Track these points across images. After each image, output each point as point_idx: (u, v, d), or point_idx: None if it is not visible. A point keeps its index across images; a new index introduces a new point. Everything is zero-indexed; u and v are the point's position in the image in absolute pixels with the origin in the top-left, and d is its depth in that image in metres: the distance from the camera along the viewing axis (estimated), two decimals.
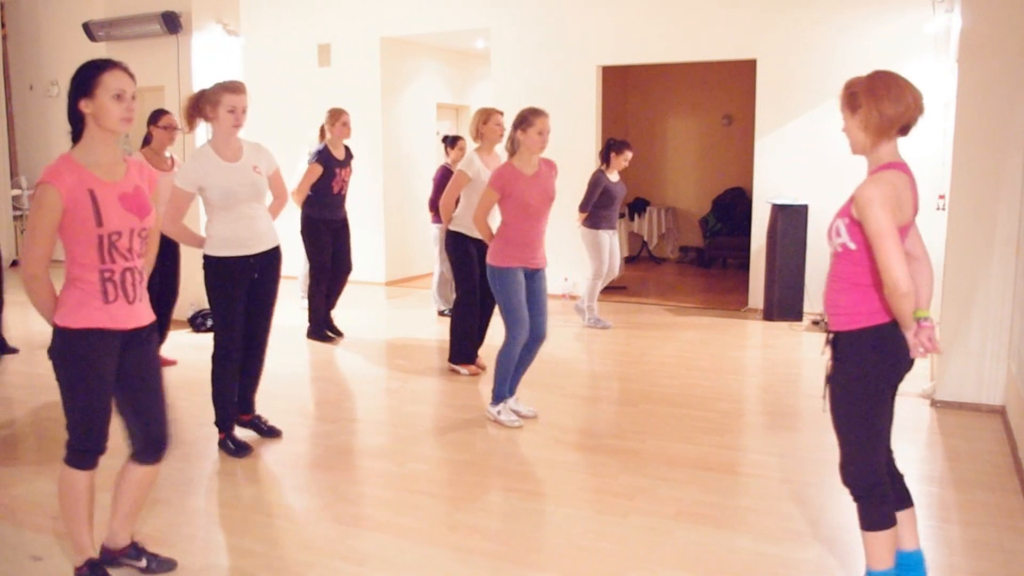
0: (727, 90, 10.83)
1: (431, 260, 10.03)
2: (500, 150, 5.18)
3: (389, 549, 3.10)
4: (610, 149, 7.01)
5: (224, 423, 4.16)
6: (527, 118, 4.36)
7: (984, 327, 4.66)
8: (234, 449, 4.11)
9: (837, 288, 2.54)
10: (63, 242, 2.59)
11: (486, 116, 5.33)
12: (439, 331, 6.95)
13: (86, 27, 7.35)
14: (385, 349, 6.46)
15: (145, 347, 2.76)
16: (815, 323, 7.04)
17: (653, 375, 5.60)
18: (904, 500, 2.67)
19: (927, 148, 6.65)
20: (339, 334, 6.68)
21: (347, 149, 6.52)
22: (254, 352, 4.24)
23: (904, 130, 2.42)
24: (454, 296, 7.39)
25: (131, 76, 2.62)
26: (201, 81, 7.04)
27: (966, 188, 4.66)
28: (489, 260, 4.45)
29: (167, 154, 5.50)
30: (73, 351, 2.60)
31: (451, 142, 7.33)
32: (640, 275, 10.11)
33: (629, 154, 7.04)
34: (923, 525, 3.31)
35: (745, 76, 8.41)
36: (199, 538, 3.21)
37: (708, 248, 10.71)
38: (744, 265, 8.98)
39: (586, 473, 3.91)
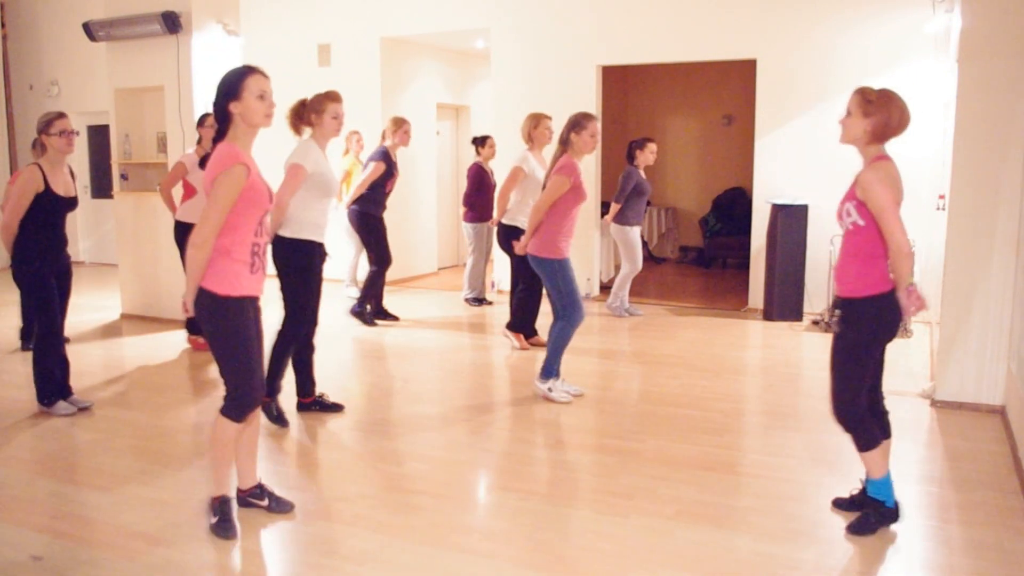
0: (727, 90, 10.84)
1: (430, 259, 10.15)
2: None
3: (389, 549, 3.10)
4: (634, 148, 7.35)
5: (273, 389, 4.33)
6: (580, 122, 4.68)
7: (984, 327, 4.66)
8: (276, 416, 4.38)
9: (849, 260, 3.02)
10: (228, 217, 2.87)
11: (536, 121, 5.89)
12: (439, 331, 6.95)
13: (86, 27, 7.34)
14: (385, 349, 6.46)
15: (259, 312, 3.18)
16: (815, 323, 7.05)
17: (653, 375, 5.60)
18: (887, 432, 3.20)
19: (927, 148, 6.68)
20: (396, 318, 7.33)
21: None
22: (312, 335, 4.56)
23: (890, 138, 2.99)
24: (471, 286, 7.89)
25: (267, 78, 2.98)
26: (201, 81, 7.06)
27: (966, 188, 4.66)
28: (544, 254, 4.71)
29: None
30: (226, 315, 2.95)
31: (481, 141, 7.72)
32: (640, 275, 10.02)
33: (653, 146, 7.38)
34: (923, 525, 3.31)
35: (745, 76, 8.41)
36: (199, 538, 3.21)
37: (708, 248, 10.72)
38: (744, 265, 8.98)
39: (586, 473, 3.91)
